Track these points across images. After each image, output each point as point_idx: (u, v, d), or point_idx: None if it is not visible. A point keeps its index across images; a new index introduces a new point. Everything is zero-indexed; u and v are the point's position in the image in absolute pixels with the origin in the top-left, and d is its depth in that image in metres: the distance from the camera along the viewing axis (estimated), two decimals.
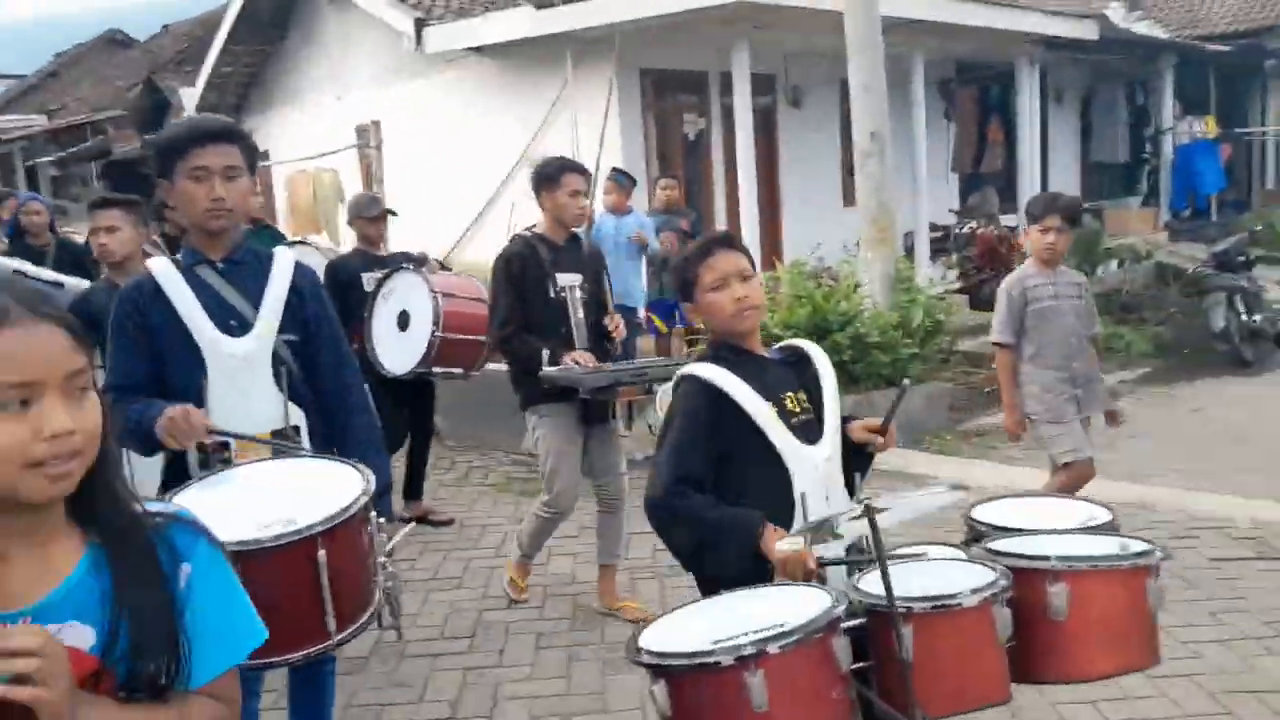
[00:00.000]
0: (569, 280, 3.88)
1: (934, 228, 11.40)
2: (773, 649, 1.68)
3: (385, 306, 4.75)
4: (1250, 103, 17.60)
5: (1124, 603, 1.95)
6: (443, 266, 5.26)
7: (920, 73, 10.87)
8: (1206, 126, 15.48)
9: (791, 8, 8.36)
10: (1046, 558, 1.93)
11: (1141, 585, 1.95)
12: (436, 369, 4.67)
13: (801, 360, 2.34)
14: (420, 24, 9.93)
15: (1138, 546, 1.99)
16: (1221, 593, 3.91)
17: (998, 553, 1.99)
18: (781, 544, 1.96)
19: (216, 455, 2.35)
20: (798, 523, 2.07)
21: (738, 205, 9.49)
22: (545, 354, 3.74)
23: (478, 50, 9.90)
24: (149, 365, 2.40)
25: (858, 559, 2.06)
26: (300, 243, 5.89)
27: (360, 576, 2.02)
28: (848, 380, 6.19)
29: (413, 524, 3.80)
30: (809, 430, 2.20)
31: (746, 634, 1.72)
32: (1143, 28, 16.09)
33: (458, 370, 4.74)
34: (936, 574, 1.95)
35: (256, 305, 2.45)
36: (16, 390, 1.09)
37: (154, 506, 1.27)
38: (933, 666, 1.79)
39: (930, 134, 11.36)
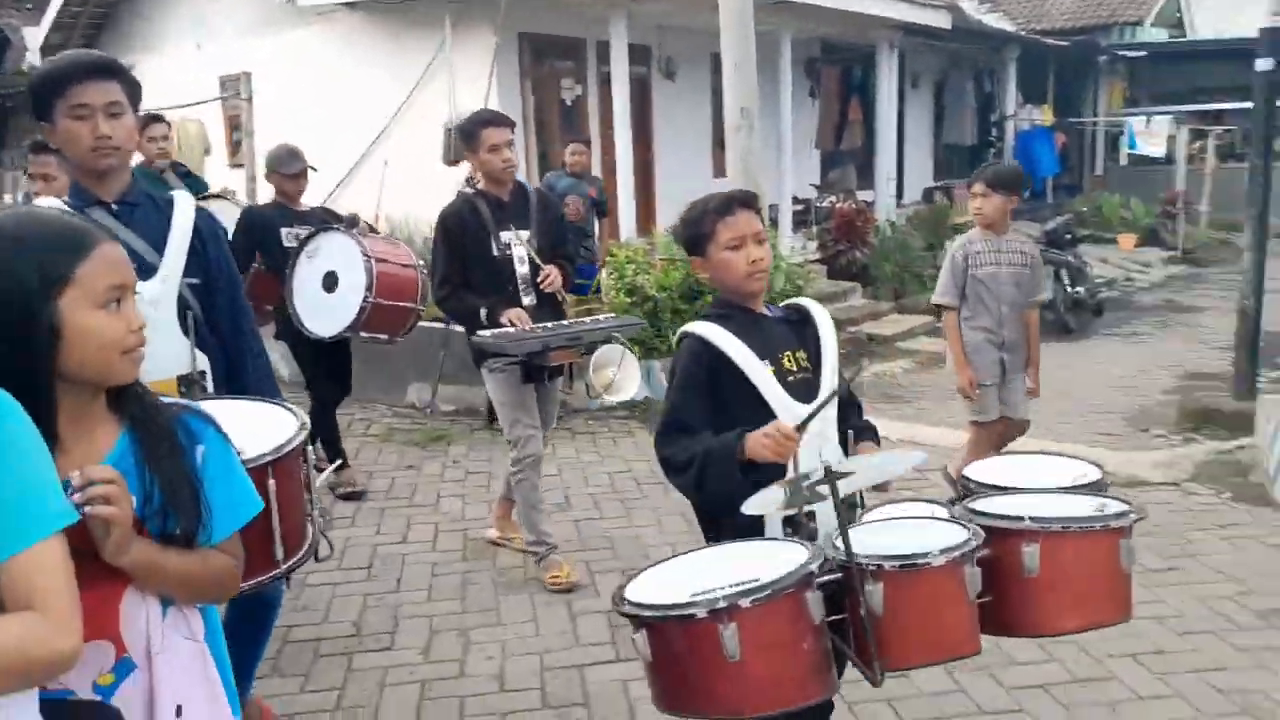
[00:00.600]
0: (513, 235, 3.80)
1: (796, 200, 11.99)
2: (745, 603, 1.74)
3: (310, 266, 4.58)
4: (1084, 94, 19.04)
5: (1095, 562, 2.00)
6: (371, 229, 5.13)
7: (788, 52, 11.37)
8: (1044, 115, 16.73)
9: None
10: (1021, 518, 2.00)
11: (1114, 545, 2.00)
12: (364, 334, 4.54)
13: (804, 319, 2.35)
14: None
15: (1114, 507, 2.05)
16: None
17: (977, 512, 2.06)
18: (750, 502, 1.96)
19: None
20: (789, 474, 2.08)
21: (614, 171, 9.78)
22: (483, 312, 3.69)
23: (350, 4, 9.80)
24: None
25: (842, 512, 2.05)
26: (219, 196, 5.74)
27: (301, 509, 2.10)
28: None
29: (334, 467, 3.97)
30: (806, 388, 2.22)
31: (723, 588, 1.79)
32: (991, 19, 17.19)
33: (383, 336, 4.61)
34: (914, 532, 2.02)
35: (158, 248, 2.42)
36: (117, 290, 1.38)
37: (168, 400, 1.54)
38: (902, 621, 1.85)
39: (795, 111, 11.90)
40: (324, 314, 4.51)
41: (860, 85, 14.25)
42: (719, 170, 10.09)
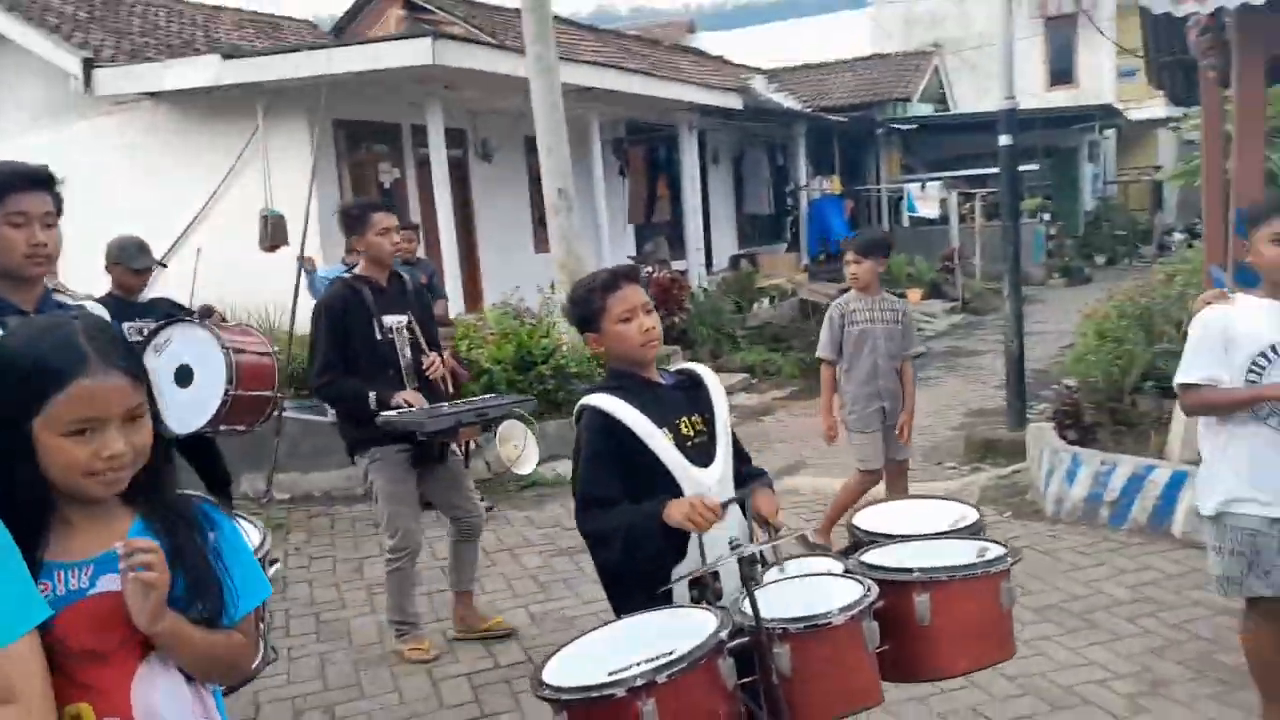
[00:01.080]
0: (395, 320, 3.81)
1: None
2: (661, 678, 1.77)
3: (158, 360, 4.34)
4: (866, 164, 20.87)
5: (980, 606, 2.12)
6: (223, 319, 4.94)
7: (596, 133, 12.00)
8: (833, 184, 18.23)
9: (480, 72, 9.05)
10: (910, 570, 2.11)
11: (995, 589, 2.13)
12: (222, 426, 4.32)
13: (695, 385, 2.43)
14: (89, 64, 9.49)
15: (993, 552, 2.18)
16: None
17: (870, 565, 2.16)
18: (677, 570, 2.12)
19: None
20: (692, 544, 2.18)
21: (438, 251, 9.98)
22: (372, 396, 3.64)
23: (153, 95, 9.64)
24: None
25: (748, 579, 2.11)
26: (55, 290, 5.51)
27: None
28: (551, 406, 6.90)
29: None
30: (704, 451, 2.30)
31: (639, 663, 1.84)
32: (780, 98, 18.66)
33: (241, 427, 4.42)
34: (813, 590, 2.10)
35: None
36: (86, 422, 1.45)
37: (184, 493, 1.65)
38: (809, 679, 1.92)
39: (608, 188, 12.53)
40: (180, 409, 4.22)
41: (666, 162, 15.12)
42: (540, 246, 10.49)
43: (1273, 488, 2.70)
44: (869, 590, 2.02)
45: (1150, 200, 24.07)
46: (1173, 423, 5.65)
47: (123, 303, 4.80)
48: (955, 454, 7.01)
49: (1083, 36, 23.26)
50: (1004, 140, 6.88)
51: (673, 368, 2.51)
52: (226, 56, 8.99)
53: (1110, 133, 24.02)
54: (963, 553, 2.19)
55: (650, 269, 12.61)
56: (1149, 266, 14.91)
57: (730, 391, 10.13)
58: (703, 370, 2.47)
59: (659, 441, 2.24)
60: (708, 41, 24.31)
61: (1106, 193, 24.50)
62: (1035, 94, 23.15)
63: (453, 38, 9.06)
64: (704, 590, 2.13)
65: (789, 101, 19.26)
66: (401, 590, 3.91)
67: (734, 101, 14.09)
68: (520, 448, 3.99)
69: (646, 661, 1.83)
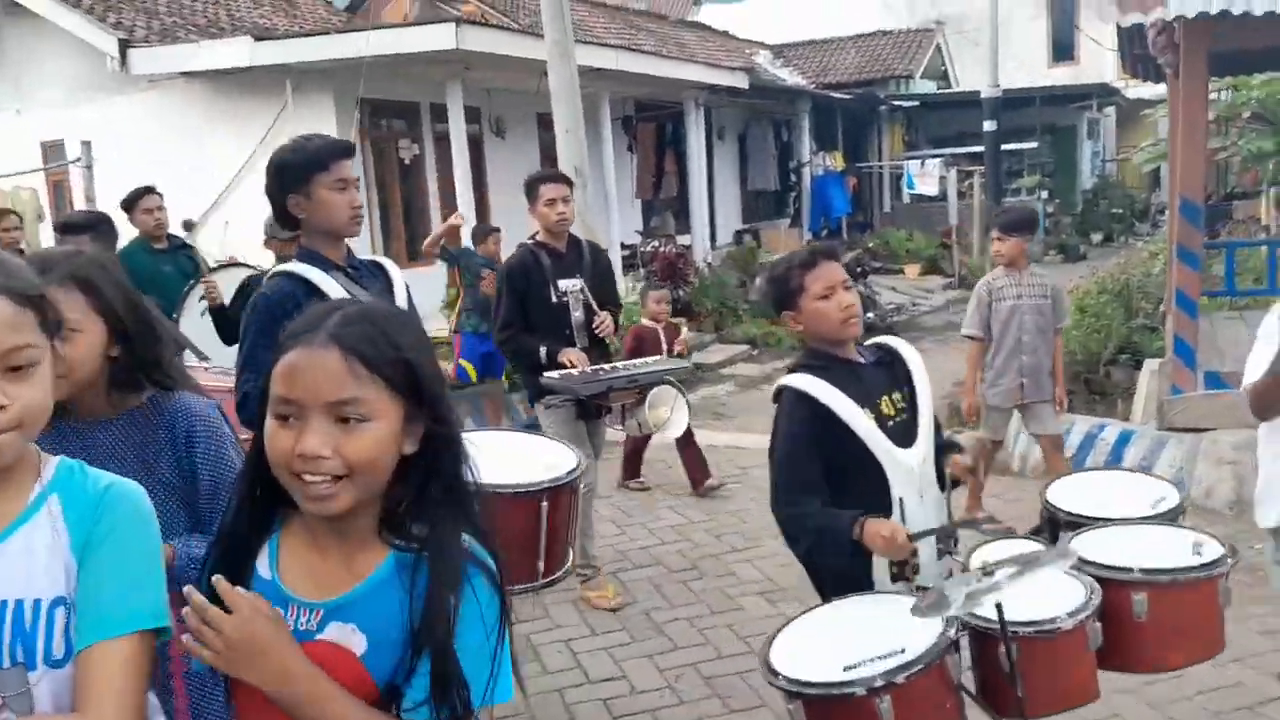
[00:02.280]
0: (569, 284, 4.10)
1: (624, 246, 13.05)
2: (900, 679, 1.81)
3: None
4: (869, 141, 21.24)
5: (1197, 606, 2.12)
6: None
7: (607, 112, 12.44)
8: (835, 161, 18.63)
9: (499, 55, 9.49)
10: (1130, 570, 2.08)
11: (1214, 590, 2.11)
12: None
13: (894, 360, 2.39)
14: (125, 45, 9.94)
15: (1210, 553, 2.12)
16: None
17: (1087, 562, 2.10)
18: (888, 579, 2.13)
19: None
20: (902, 525, 2.14)
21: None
22: (543, 351, 3.97)
23: (186, 74, 10.09)
24: None
25: (947, 545, 2.22)
26: (234, 264, 5.81)
27: (565, 537, 2.35)
28: None
29: None
30: (905, 431, 2.27)
31: (873, 659, 1.86)
32: (785, 74, 19.03)
33: None
34: (1035, 591, 2.01)
35: None
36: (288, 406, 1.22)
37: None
38: (1033, 677, 1.95)
39: (617, 165, 12.99)
40: None
41: (673, 139, 15.54)
42: None
43: None
44: (1093, 593, 2.03)
45: (1147, 178, 24.43)
46: (1137, 392, 6.17)
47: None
48: (945, 420, 7.54)
49: (1084, 14, 23.52)
50: (988, 125, 7.34)
51: (868, 343, 2.46)
52: (258, 39, 9.41)
53: (1110, 110, 24.30)
54: (1177, 546, 2.16)
55: (657, 243, 13.11)
56: (1142, 244, 15.37)
57: (732, 361, 10.70)
58: (900, 344, 2.43)
59: (861, 423, 2.21)
60: (712, 14, 24.53)
61: (1105, 170, 24.81)
62: (1037, 71, 23.49)
63: (472, 22, 9.47)
64: (903, 567, 2.17)
65: (793, 78, 19.62)
66: (582, 532, 4.05)
67: (740, 81, 14.48)
68: (670, 412, 4.14)
69: (880, 659, 1.86)
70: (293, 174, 2.57)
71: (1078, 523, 2.33)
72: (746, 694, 3.46)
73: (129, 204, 5.62)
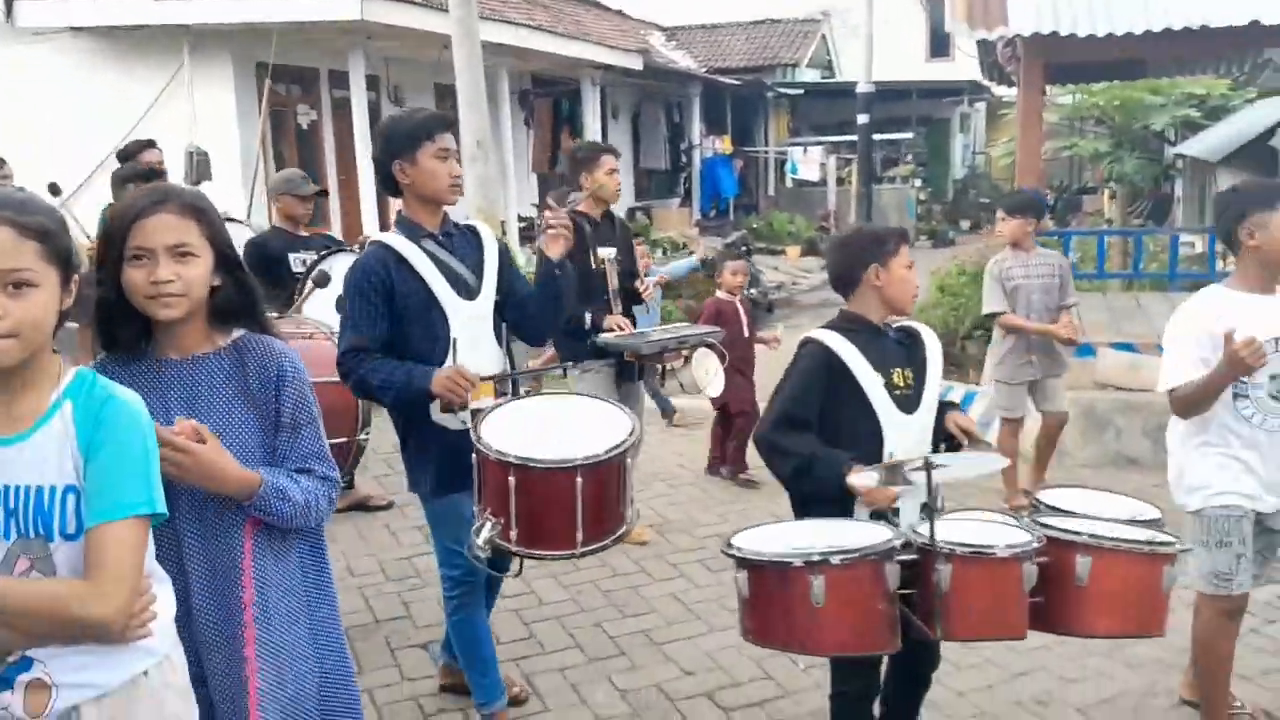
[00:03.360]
0: (607, 253, 4.22)
1: (520, 219, 13.37)
2: (835, 560, 2.09)
3: (323, 290, 4.43)
4: (756, 126, 22.03)
5: (1137, 580, 2.26)
6: None
7: (505, 86, 12.71)
8: (724, 144, 19.32)
9: (405, 29, 9.67)
10: (1079, 533, 2.26)
11: (1158, 569, 2.26)
12: None
13: (915, 341, 2.62)
14: None
15: (1163, 538, 2.31)
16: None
17: (1041, 524, 2.31)
18: (855, 478, 2.29)
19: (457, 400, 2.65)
20: (888, 459, 2.38)
21: (354, 190, 10.60)
22: (587, 317, 4.07)
23: (75, 29, 9.89)
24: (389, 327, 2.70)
25: (930, 504, 2.33)
26: (231, 220, 5.55)
27: (609, 506, 2.44)
28: None
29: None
30: (908, 403, 2.49)
31: (816, 546, 2.15)
32: (678, 56, 19.56)
33: None
34: (986, 531, 2.28)
35: (476, 272, 2.80)
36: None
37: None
38: (964, 600, 2.14)
39: (514, 139, 13.28)
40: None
41: (569, 116, 15.88)
42: None
43: (1255, 482, 2.72)
44: (1036, 539, 2.22)
45: (1010, 171, 26.04)
46: (986, 361, 6.95)
47: (285, 235, 4.90)
48: None
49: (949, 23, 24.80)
50: (861, 119, 8.01)
51: (896, 324, 2.68)
52: None
53: (980, 106, 25.78)
54: (1133, 534, 2.34)
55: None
56: None
57: None
58: (923, 329, 2.67)
59: (872, 382, 2.45)
60: None
61: (975, 162, 26.35)
62: (916, 65, 24.70)
63: None
64: (883, 517, 2.40)
65: (685, 60, 20.17)
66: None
67: (635, 62, 14.93)
68: (710, 373, 4.37)
69: (825, 546, 2.14)
70: (400, 141, 2.70)
71: (1058, 512, 2.49)
72: (638, 603, 4.00)
73: (128, 157, 5.53)
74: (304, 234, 4.97)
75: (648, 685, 3.40)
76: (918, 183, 20.84)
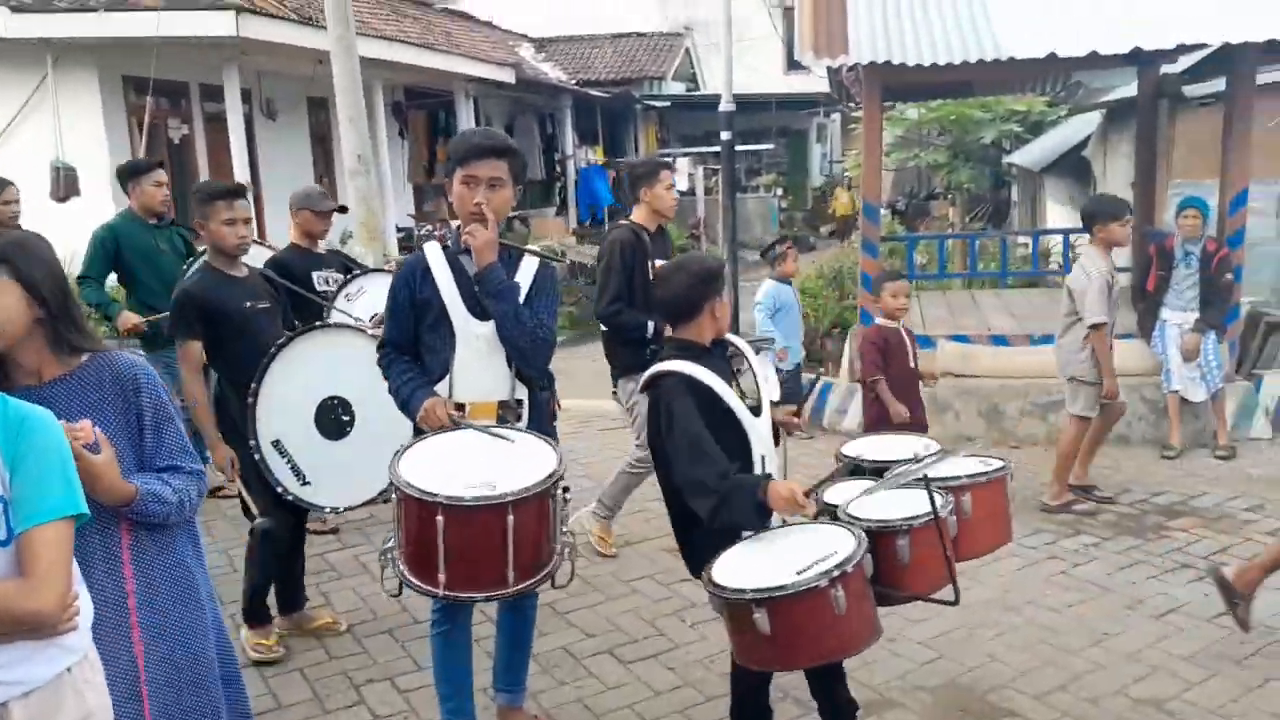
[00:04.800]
0: (660, 264, 4.24)
1: (398, 229, 13.53)
2: (850, 569, 2.22)
3: (353, 307, 4.45)
4: (627, 137, 22.67)
5: (998, 501, 2.69)
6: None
7: (380, 98, 12.86)
8: (597, 155, 19.85)
9: (281, 44, 9.76)
10: (958, 478, 2.63)
11: (1005, 487, 2.74)
12: None
13: (724, 348, 2.84)
14: None
15: (996, 464, 2.74)
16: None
17: (920, 480, 2.49)
18: (780, 488, 2.45)
19: (452, 418, 2.74)
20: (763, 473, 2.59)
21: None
22: (650, 325, 4.15)
23: None
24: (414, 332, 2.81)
25: (830, 506, 2.61)
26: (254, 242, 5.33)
27: (539, 541, 2.46)
28: None
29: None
30: (754, 409, 2.70)
31: (815, 564, 2.25)
32: (548, 68, 19.98)
33: None
34: (895, 501, 2.53)
35: None
36: None
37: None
38: (926, 559, 2.42)
39: (390, 150, 13.43)
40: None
41: (445, 127, 16.09)
42: None
43: None
44: (946, 501, 2.51)
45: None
46: (844, 356, 7.65)
47: (305, 253, 4.81)
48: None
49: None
50: (725, 135, 8.63)
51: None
52: (15, 10, 9.14)
53: (835, 117, 27.20)
54: (971, 466, 2.73)
55: (430, 227, 13.69)
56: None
57: None
58: (739, 341, 2.92)
59: (732, 399, 2.64)
60: (474, 2, 25.03)
61: (832, 171, 27.77)
62: (775, 78, 25.85)
63: (253, 11, 9.68)
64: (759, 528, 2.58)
65: (556, 73, 20.62)
66: (624, 490, 4.55)
67: (507, 75, 15.28)
68: (763, 381, 4.50)
69: (820, 561, 2.25)
70: (446, 163, 2.87)
71: (880, 468, 2.81)
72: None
73: (137, 173, 5.39)
74: (320, 252, 4.92)
75: (556, 648, 3.82)
76: (779, 191, 21.88)
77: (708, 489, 2.50)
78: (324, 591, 4.36)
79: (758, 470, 2.62)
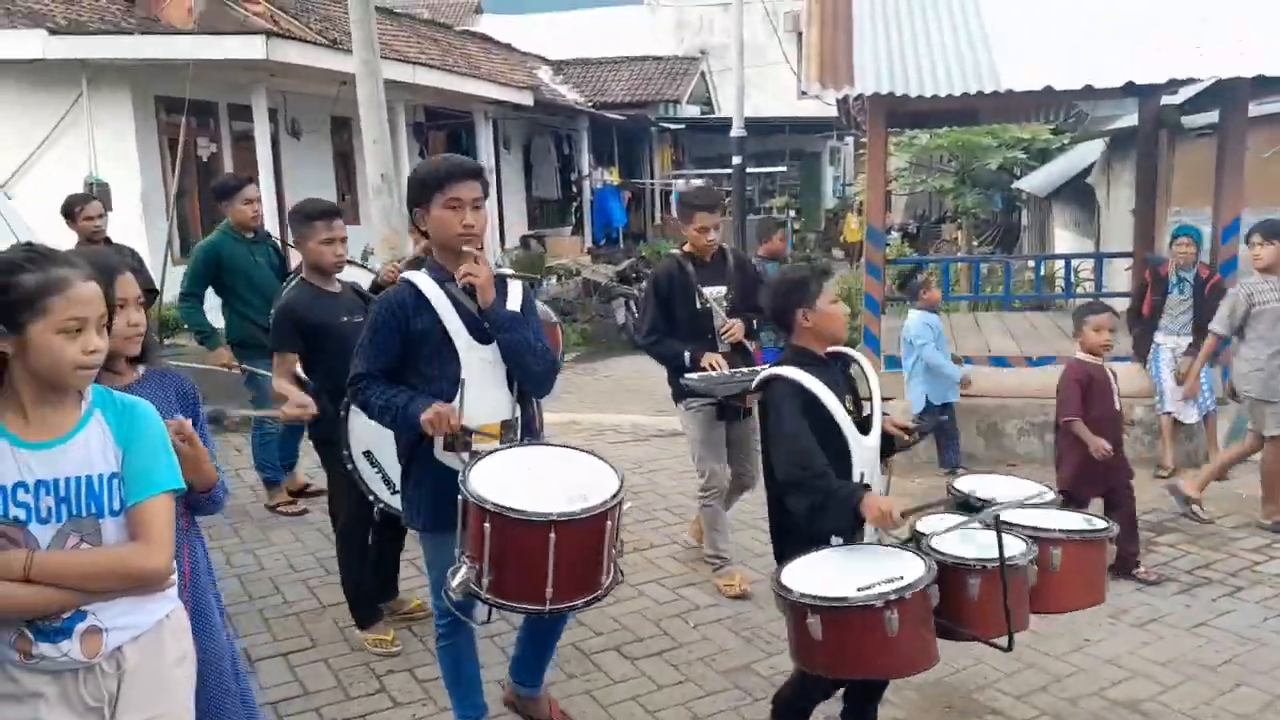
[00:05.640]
0: (714, 292, 4.31)
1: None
2: (908, 595, 2.30)
3: None
4: (642, 158, 22.99)
5: (1093, 561, 2.68)
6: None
7: (402, 119, 13.20)
8: (612, 175, 20.17)
9: (306, 67, 10.11)
10: (1051, 530, 2.65)
11: (1104, 550, 2.74)
12: None
13: (846, 364, 2.87)
14: None
15: (1100, 524, 2.78)
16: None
17: (1015, 524, 2.60)
18: (872, 500, 2.55)
19: (461, 439, 2.77)
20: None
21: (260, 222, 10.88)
22: (686, 355, 4.19)
23: None
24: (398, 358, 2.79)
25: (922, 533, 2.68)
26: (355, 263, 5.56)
27: (587, 561, 2.55)
28: None
29: None
30: (863, 425, 2.73)
31: (880, 583, 2.34)
32: (565, 90, 20.35)
33: None
34: (983, 541, 2.54)
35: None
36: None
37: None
38: (996, 603, 2.46)
39: (410, 169, 13.75)
40: None
41: (465, 148, 16.43)
42: (346, 219, 11.60)
43: None
44: (1031, 544, 2.57)
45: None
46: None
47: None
48: None
49: None
50: (736, 159, 8.88)
51: (829, 351, 2.88)
52: (53, 32, 9.51)
53: (849, 140, 27.44)
54: (1073, 521, 2.80)
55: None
56: None
57: None
58: (856, 355, 2.95)
59: (839, 411, 2.68)
60: (493, 25, 25.50)
61: (845, 193, 28.00)
62: (789, 101, 26.15)
63: (282, 35, 10.03)
64: (851, 536, 2.67)
65: (573, 94, 20.98)
66: (714, 527, 4.50)
67: (526, 98, 15.62)
68: None
69: (886, 582, 2.35)
70: (416, 190, 2.80)
71: (986, 504, 2.79)
72: None
73: (229, 192, 5.62)
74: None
75: (565, 644, 4.02)
76: (793, 213, 22.13)
77: (807, 488, 2.57)
78: None
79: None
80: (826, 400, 2.66)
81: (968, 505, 2.86)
